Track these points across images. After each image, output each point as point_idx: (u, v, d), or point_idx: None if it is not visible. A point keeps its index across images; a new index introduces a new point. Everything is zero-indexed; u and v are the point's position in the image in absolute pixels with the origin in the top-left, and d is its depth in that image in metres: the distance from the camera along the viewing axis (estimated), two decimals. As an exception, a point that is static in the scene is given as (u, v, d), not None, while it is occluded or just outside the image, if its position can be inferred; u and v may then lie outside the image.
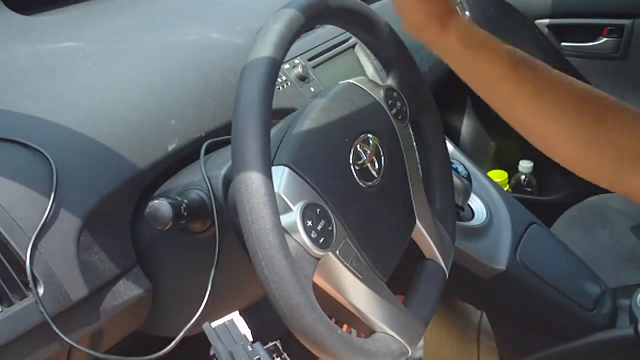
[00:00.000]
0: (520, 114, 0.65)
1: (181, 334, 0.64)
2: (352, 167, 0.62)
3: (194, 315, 0.64)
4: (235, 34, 0.91)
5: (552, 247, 1.13)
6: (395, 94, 0.72)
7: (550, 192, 1.72)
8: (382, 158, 0.66)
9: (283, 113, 0.75)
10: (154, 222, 0.58)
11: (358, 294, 0.59)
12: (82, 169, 0.64)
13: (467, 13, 1.65)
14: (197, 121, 0.74)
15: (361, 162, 0.63)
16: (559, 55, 1.56)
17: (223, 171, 0.64)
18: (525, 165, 1.69)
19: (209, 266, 0.64)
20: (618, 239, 1.26)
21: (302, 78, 0.95)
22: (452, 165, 0.88)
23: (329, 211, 0.57)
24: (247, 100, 0.51)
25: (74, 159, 0.64)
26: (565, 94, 0.64)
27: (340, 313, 0.60)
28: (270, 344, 0.55)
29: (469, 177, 0.98)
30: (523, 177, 1.71)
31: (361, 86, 0.69)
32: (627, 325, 1.03)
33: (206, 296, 0.64)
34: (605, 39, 1.49)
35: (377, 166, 0.65)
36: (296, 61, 0.96)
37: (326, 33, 1.07)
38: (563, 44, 1.55)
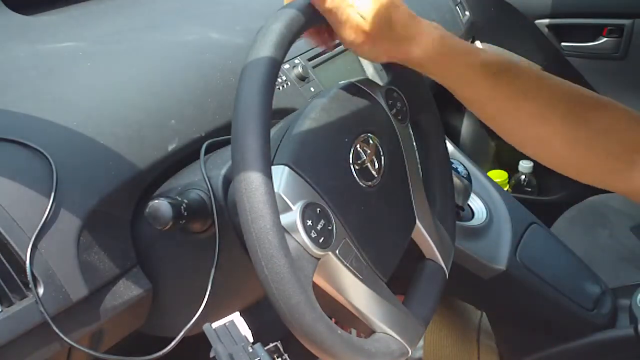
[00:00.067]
0: (500, 120, 0.66)
1: (181, 334, 0.64)
2: (352, 167, 0.62)
3: (194, 315, 0.64)
4: (235, 34, 0.91)
5: (552, 247, 1.13)
6: (395, 94, 0.72)
7: (550, 192, 1.72)
8: (382, 158, 0.66)
9: (283, 113, 0.75)
10: (154, 222, 0.58)
11: (358, 294, 0.59)
12: (82, 169, 0.64)
13: (467, 13, 1.65)
14: (197, 121, 0.74)
15: (361, 162, 0.63)
16: (559, 55, 1.56)
17: (223, 171, 0.64)
18: (525, 165, 1.69)
19: (209, 266, 0.64)
20: (618, 239, 1.26)
21: (302, 78, 0.95)
22: (452, 165, 0.88)
23: (328, 211, 0.57)
24: (247, 100, 0.51)
25: (74, 159, 0.64)
26: (548, 96, 0.64)
27: (340, 313, 0.60)
28: (271, 344, 0.55)
29: (469, 177, 0.98)
30: (523, 177, 1.71)
31: (361, 86, 0.69)
32: (627, 325, 1.03)
33: (206, 296, 0.64)
34: (605, 39, 1.49)
35: (377, 166, 0.65)
36: (296, 61, 0.96)
37: (326, 33, 1.07)
38: (563, 44, 1.55)
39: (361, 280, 0.59)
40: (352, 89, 0.69)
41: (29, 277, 0.56)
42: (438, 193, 0.78)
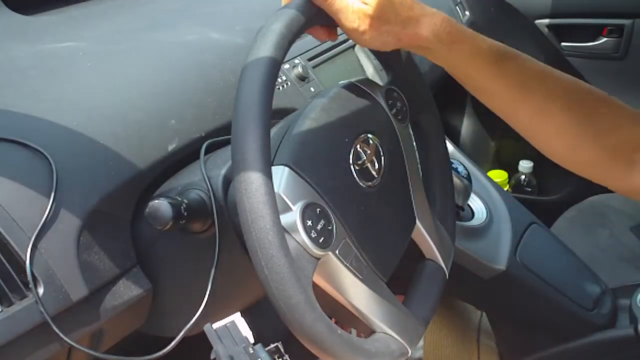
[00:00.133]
0: (509, 109, 0.65)
1: (181, 334, 0.64)
2: (352, 167, 0.62)
3: (194, 315, 0.64)
4: (235, 34, 0.91)
5: (552, 247, 1.13)
6: (395, 94, 0.72)
7: (550, 192, 1.72)
8: (382, 158, 0.66)
9: (283, 113, 0.75)
10: (154, 222, 0.58)
11: (358, 294, 0.59)
12: (82, 169, 0.64)
13: (467, 13, 1.65)
14: (197, 121, 0.74)
15: (361, 162, 0.63)
16: (559, 55, 1.56)
17: (223, 171, 0.64)
18: (525, 165, 1.69)
19: (209, 266, 0.64)
20: (618, 239, 1.26)
21: (302, 78, 0.95)
22: (452, 165, 0.88)
23: (328, 211, 0.57)
24: (247, 100, 0.51)
25: (74, 159, 0.64)
26: (552, 88, 0.63)
27: (340, 313, 0.60)
28: (272, 345, 0.55)
29: (469, 177, 0.98)
30: (523, 177, 1.71)
31: (361, 86, 0.69)
32: (627, 325, 1.03)
33: (206, 296, 0.64)
34: (605, 39, 1.49)
35: (377, 166, 0.65)
36: (296, 61, 0.96)
37: (326, 33, 1.07)
38: (563, 44, 1.55)
39: (361, 280, 0.59)
40: (352, 89, 0.68)
41: (29, 277, 0.56)
42: (438, 193, 0.78)
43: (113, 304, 0.64)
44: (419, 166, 0.76)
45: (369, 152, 0.64)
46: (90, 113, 0.68)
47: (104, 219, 0.63)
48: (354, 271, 0.58)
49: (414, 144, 0.76)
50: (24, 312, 0.56)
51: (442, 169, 0.79)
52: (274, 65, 0.53)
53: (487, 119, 1.78)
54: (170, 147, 0.71)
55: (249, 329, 0.56)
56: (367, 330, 0.61)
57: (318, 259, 0.54)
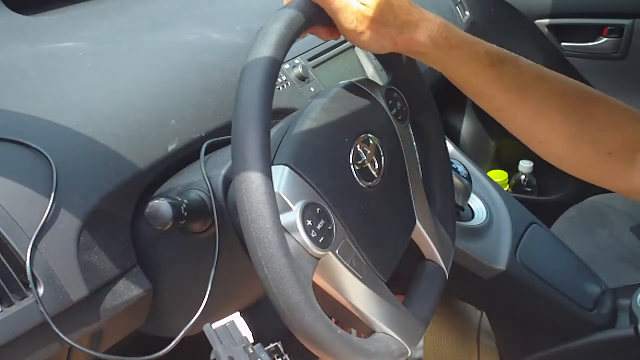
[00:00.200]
0: (507, 112, 0.65)
1: (181, 334, 0.64)
2: (352, 167, 0.62)
3: (194, 315, 0.64)
4: (235, 34, 0.91)
5: (552, 247, 1.13)
6: (395, 94, 0.72)
7: (550, 192, 1.72)
8: (382, 158, 0.66)
9: (283, 113, 0.75)
10: (154, 222, 0.58)
11: (358, 294, 0.59)
12: (82, 169, 0.64)
13: (467, 13, 1.65)
14: (197, 121, 0.74)
15: (361, 162, 0.63)
16: (559, 55, 1.56)
17: (223, 171, 0.64)
18: (525, 165, 1.69)
19: (209, 266, 0.64)
20: (618, 239, 1.26)
21: (302, 78, 0.95)
22: (452, 165, 0.88)
23: (328, 211, 0.57)
24: (247, 100, 0.51)
25: (74, 159, 0.64)
26: (549, 89, 0.63)
27: (340, 313, 0.60)
28: (271, 345, 0.55)
29: (469, 177, 0.98)
30: (523, 177, 1.71)
31: (361, 86, 0.69)
32: (627, 325, 1.03)
33: (206, 296, 0.64)
34: (605, 39, 1.49)
35: (377, 166, 0.65)
36: (296, 61, 0.96)
37: (326, 33, 1.07)
38: (563, 44, 1.55)
39: (361, 280, 0.59)
40: (352, 89, 0.68)
41: (29, 277, 0.56)
42: (438, 193, 0.78)
43: (113, 304, 0.64)
44: (419, 166, 0.76)
45: (369, 152, 0.64)
46: (90, 113, 0.68)
47: (104, 219, 0.63)
48: (354, 271, 0.58)
49: (414, 144, 0.76)
50: (24, 312, 0.56)
51: (442, 169, 0.79)
52: (274, 65, 0.53)
53: (487, 119, 1.77)
54: (170, 147, 0.71)
55: (248, 328, 0.56)
56: (367, 330, 0.61)
57: (318, 258, 0.54)
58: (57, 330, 0.57)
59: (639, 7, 1.44)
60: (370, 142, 0.65)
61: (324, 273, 0.56)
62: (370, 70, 1.12)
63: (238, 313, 0.57)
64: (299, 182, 0.56)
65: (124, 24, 0.91)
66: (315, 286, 0.54)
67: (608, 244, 1.26)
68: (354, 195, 0.62)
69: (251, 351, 0.53)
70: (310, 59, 1.00)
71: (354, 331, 0.65)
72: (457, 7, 1.59)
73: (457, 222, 0.94)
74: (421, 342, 1.15)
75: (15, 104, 0.66)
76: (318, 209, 0.56)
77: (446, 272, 0.74)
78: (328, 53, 1.04)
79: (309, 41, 1.02)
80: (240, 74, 0.52)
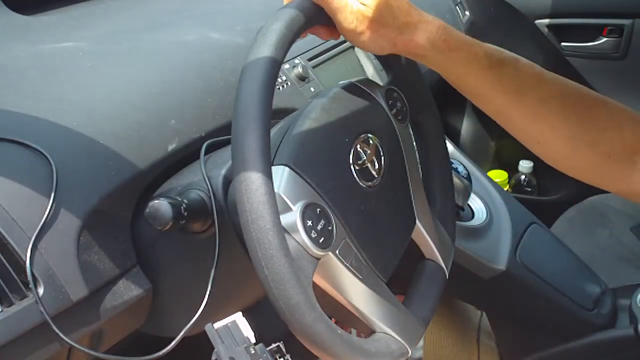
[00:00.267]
0: (506, 114, 0.65)
1: (181, 334, 0.64)
2: (352, 167, 0.62)
3: (194, 315, 0.64)
4: (235, 34, 0.91)
5: (552, 247, 1.13)
6: (395, 94, 0.72)
7: (550, 192, 1.72)
8: (382, 158, 0.66)
9: (283, 113, 0.75)
10: (154, 222, 0.58)
11: (358, 294, 0.59)
12: (82, 169, 0.64)
13: (467, 13, 1.65)
14: (197, 121, 0.74)
15: (361, 162, 0.63)
16: (559, 55, 1.56)
17: (223, 171, 0.64)
18: (525, 165, 1.69)
19: (209, 266, 0.64)
20: (618, 239, 1.26)
21: (302, 78, 0.95)
22: (452, 165, 0.88)
23: (328, 211, 0.57)
24: (247, 100, 0.51)
25: (74, 159, 0.64)
26: (549, 91, 0.63)
27: (340, 313, 0.60)
28: (273, 345, 0.55)
29: (469, 177, 0.98)
30: (523, 177, 1.71)
31: (361, 86, 0.69)
32: (627, 325, 1.03)
33: (206, 296, 0.64)
34: (605, 39, 1.49)
35: (377, 166, 0.65)
36: (296, 61, 0.96)
37: (326, 33, 1.07)
38: (563, 44, 1.55)
39: (361, 280, 0.59)
40: (352, 89, 0.68)
41: (29, 277, 0.56)
42: (438, 193, 0.78)
43: (113, 304, 0.64)
44: (419, 166, 0.76)
45: (369, 152, 0.64)
46: (90, 113, 0.68)
47: (104, 219, 0.63)
48: (354, 271, 0.58)
49: (414, 144, 0.76)
50: (24, 312, 0.56)
51: (442, 169, 0.79)
52: (274, 65, 0.53)
53: (487, 119, 1.77)
54: (170, 147, 0.71)
55: (250, 328, 0.56)
56: (367, 330, 0.61)
57: (318, 259, 0.54)
58: (57, 330, 0.57)
59: (639, 7, 1.44)
60: (370, 142, 0.65)
61: (324, 273, 0.56)
62: (370, 70, 1.12)
63: (240, 313, 0.57)
64: (299, 183, 0.56)
65: (124, 24, 0.91)
66: (315, 286, 0.54)
67: (608, 244, 1.26)
68: (354, 195, 0.62)
69: (253, 351, 0.52)
70: (310, 59, 1.00)
71: (354, 331, 0.65)
72: (457, 7, 1.59)
73: (457, 222, 0.94)
74: (421, 342, 1.15)
75: (15, 104, 0.66)
76: (318, 209, 0.56)
77: (446, 272, 0.74)
78: (328, 53, 1.04)
79: (309, 41, 1.02)
80: (240, 74, 0.52)
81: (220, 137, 0.72)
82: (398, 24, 0.59)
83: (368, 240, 0.62)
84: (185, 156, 0.72)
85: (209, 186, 0.63)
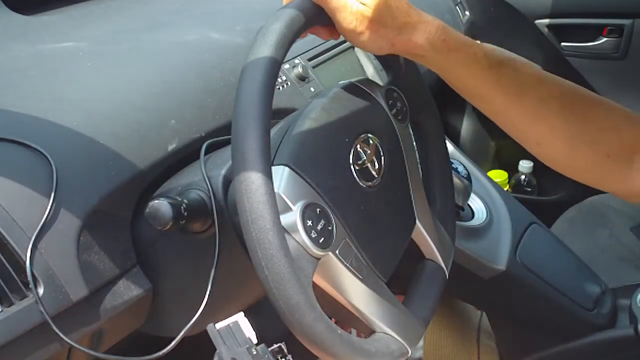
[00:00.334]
0: (505, 114, 0.65)
1: (181, 334, 0.64)
2: (352, 167, 0.62)
3: (194, 315, 0.64)
4: (235, 34, 0.91)
5: (552, 247, 1.13)
6: (395, 94, 0.72)
7: (550, 192, 1.72)
8: (382, 158, 0.66)
9: (283, 113, 0.75)
10: (154, 222, 0.58)
11: (358, 294, 0.59)
12: (82, 169, 0.64)
13: (467, 13, 1.65)
14: (197, 121, 0.74)
15: (361, 162, 0.63)
16: (559, 55, 1.56)
17: (223, 171, 0.64)
18: (525, 165, 1.69)
19: (209, 266, 0.64)
20: (618, 239, 1.26)
21: (302, 78, 0.95)
22: (452, 165, 0.88)
23: (328, 211, 0.57)
24: (247, 100, 0.51)
25: (74, 159, 0.64)
26: (548, 91, 0.63)
27: (340, 313, 0.60)
28: (275, 345, 0.55)
29: (469, 177, 0.98)
30: (523, 177, 1.71)
31: (361, 86, 0.69)
32: (627, 325, 1.03)
33: (206, 296, 0.64)
34: (605, 39, 1.49)
35: (377, 166, 0.65)
36: (296, 61, 0.96)
37: (326, 33, 1.07)
38: (563, 44, 1.55)
39: (361, 280, 0.59)
40: (352, 89, 0.68)
41: (29, 277, 0.56)
42: (438, 193, 0.78)
43: (113, 304, 0.64)
44: (419, 166, 0.76)
45: (369, 152, 0.64)
46: (90, 113, 0.68)
47: (104, 219, 0.63)
48: (354, 271, 0.58)
49: (414, 144, 0.76)
50: (24, 312, 0.56)
51: (442, 169, 0.79)
52: (274, 65, 0.53)
53: (487, 119, 1.76)
54: (170, 147, 0.71)
55: (252, 329, 0.56)
56: (367, 330, 0.61)
57: (318, 259, 0.54)
58: (57, 330, 0.57)
59: (639, 7, 1.44)
60: (370, 142, 0.65)
61: (324, 273, 0.56)
62: (370, 70, 1.12)
63: (242, 313, 0.57)
64: (299, 183, 0.56)
65: (124, 24, 0.91)
66: (315, 286, 0.54)
67: (608, 244, 1.26)
68: (354, 195, 0.62)
69: (255, 352, 0.53)
70: (310, 59, 1.00)
71: (354, 331, 0.65)
72: (457, 7, 1.59)
73: (457, 222, 0.94)
74: (421, 342, 1.15)
75: (15, 104, 0.66)
76: (318, 209, 0.56)
77: (446, 272, 0.74)
78: (328, 53, 1.04)
79: (309, 41, 1.02)
80: (240, 74, 0.52)
81: (220, 137, 0.72)
82: (397, 24, 0.59)
83: (368, 240, 0.62)
84: (185, 156, 0.72)
85: (209, 186, 0.63)
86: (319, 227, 0.55)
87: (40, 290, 0.57)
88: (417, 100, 0.76)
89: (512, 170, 1.76)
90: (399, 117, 0.72)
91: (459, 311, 1.20)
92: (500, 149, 1.85)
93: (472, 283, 1.02)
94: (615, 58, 1.49)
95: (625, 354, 1.03)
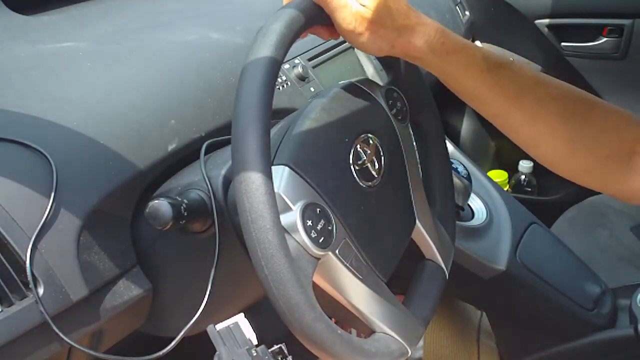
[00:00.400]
0: (504, 116, 0.65)
1: (181, 334, 0.64)
2: (352, 167, 0.62)
3: (194, 315, 0.64)
4: (235, 34, 0.91)
5: (552, 247, 1.13)
6: (395, 94, 0.72)
7: (550, 192, 1.73)
8: (382, 158, 0.66)
9: (283, 113, 0.75)
10: (154, 222, 0.58)
11: (358, 294, 0.59)
12: (82, 169, 0.64)
13: (467, 13, 1.65)
14: (197, 121, 0.74)
15: (361, 162, 0.63)
16: (559, 55, 1.56)
17: (223, 171, 0.64)
18: (525, 165, 1.69)
19: (209, 266, 0.64)
20: (618, 239, 1.26)
21: (302, 78, 0.95)
22: (452, 165, 0.88)
23: (328, 211, 0.57)
24: (247, 100, 0.51)
25: (74, 159, 0.64)
26: (546, 93, 0.63)
27: (340, 313, 0.60)
28: (275, 346, 0.55)
29: (469, 177, 0.98)
30: (523, 177, 1.71)
31: (361, 86, 0.69)
32: (627, 325, 1.03)
33: (206, 296, 0.64)
34: (605, 39, 1.49)
35: (377, 166, 0.65)
36: (296, 61, 0.96)
37: (326, 33, 1.07)
38: (563, 44, 1.55)
39: (361, 280, 0.59)
40: (352, 89, 0.69)
41: (29, 277, 0.56)
42: (438, 193, 0.78)
43: (113, 304, 0.64)
44: (419, 166, 0.76)
45: (369, 152, 0.64)
46: (90, 113, 0.68)
47: (104, 219, 0.63)
48: (354, 271, 0.58)
49: (414, 144, 0.76)
50: (24, 312, 0.56)
51: (442, 169, 0.79)
52: (274, 65, 0.53)
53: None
54: (170, 147, 0.71)
55: (252, 330, 0.56)
56: (367, 330, 0.61)
57: (318, 259, 0.54)
58: (57, 330, 0.57)
59: (639, 7, 1.44)
60: (370, 142, 0.65)
61: (324, 273, 0.56)
62: (370, 70, 1.12)
63: (242, 314, 0.57)
64: (299, 183, 0.56)
65: (124, 24, 0.91)
66: (315, 286, 0.54)
67: (608, 244, 1.27)
68: (354, 195, 0.62)
69: (255, 354, 0.52)
70: (310, 59, 1.00)
71: (354, 331, 0.65)
72: (457, 7, 1.59)
73: (457, 222, 0.94)
74: (421, 342, 1.15)
75: (15, 104, 0.66)
76: (318, 209, 0.56)
77: (446, 272, 0.74)
78: (328, 53, 1.04)
79: (309, 41, 1.02)
80: (240, 74, 0.52)
81: (220, 137, 0.72)
82: (396, 26, 0.59)
83: (368, 240, 0.62)
84: (185, 156, 0.72)
85: (209, 186, 0.63)
86: (318, 227, 0.55)
87: (40, 290, 0.57)
88: (417, 100, 0.76)
89: (512, 170, 1.76)
90: (399, 117, 0.72)
91: (459, 311, 1.20)
92: (500, 149, 1.86)
93: (472, 283, 1.02)
94: (615, 58, 1.49)
95: (625, 354, 1.03)
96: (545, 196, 1.73)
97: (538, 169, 1.69)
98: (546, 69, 1.61)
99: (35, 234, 0.57)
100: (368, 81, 0.71)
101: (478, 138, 1.86)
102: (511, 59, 0.65)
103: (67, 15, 0.92)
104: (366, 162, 0.64)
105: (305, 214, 0.54)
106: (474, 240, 1.01)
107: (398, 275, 0.67)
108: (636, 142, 0.62)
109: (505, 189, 1.69)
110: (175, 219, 0.58)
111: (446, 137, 0.83)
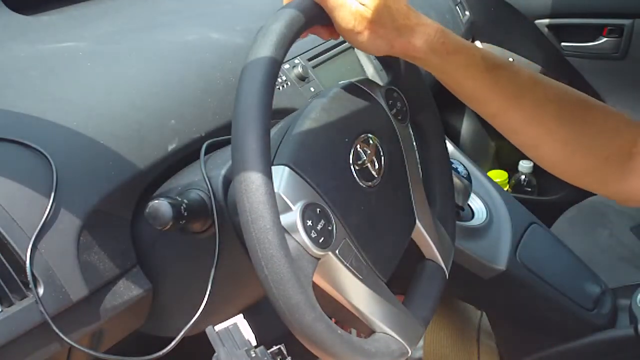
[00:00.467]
0: (502, 117, 0.65)
1: (181, 334, 0.64)
2: (352, 167, 0.62)
3: (194, 315, 0.64)
4: (235, 34, 0.91)
5: (552, 247, 1.13)
6: (395, 94, 0.72)
7: (550, 192, 1.73)
8: (382, 158, 0.66)
9: (283, 113, 0.75)
10: (154, 222, 0.58)
11: (358, 294, 0.59)
12: (82, 169, 0.64)
13: (467, 13, 1.65)
14: (197, 121, 0.74)
15: (361, 162, 0.63)
16: (559, 55, 1.56)
17: (223, 171, 0.64)
18: (525, 165, 1.69)
19: (209, 266, 0.64)
20: (618, 239, 1.27)
21: (302, 78, 0.95)
22: (452, 165, 0.88)
23: (328, 211, 0.57)
24: (247, 100, 0.51)
25: (74, 159, 0.64)
26: (544, 94, 0.63)
27: (340, 313, 0.60)
28: (274, 347, 0.55)
29: (469, 177, 0.98)
30: (523, 177, 1.71)
31: (361, 86, 0.69)
32: (627, 325, 1.03)
33: (206, 296, 0.64)
34: (605, 39, 1.49)
35: (377, 166, 0.65)
36: (296, 61, 0.96)
37: (326, 33, 1.07)
38: (563, 44, 1.55)
39: (361, 280, 0.59)
40: (352, 89, 0.69)
41: (29, 277, 0.56)
42: (438, 193, 0.78)
43: (113, 304, 0.64)
44: (419, 166, 0.76)
45: (369, 152, 0.65)
46: (90, 113, 0.68)
47: (104, 219, 0.63)
48: (354, 271, 0.58)
49: (414, 144, 0.76)
50: (24, 312, 0.56)
51: (442, 169, 0.79)
52: (274, 65, 0.53)
53: (487, 119, 1.78)
54: (170, 147, 0.71)
55: (251, 331, 0.56)
56: (367, 330, 0.61)
57: (318, 259, 0.54)
58: (57, 330, 0.57)
59: (639, 7, 1.44)
60: (370, 142, 0.65)
61: (324, 273, 0.56)
62: (370, 70, 1.12)
63: (241, 315, 0.57)
64: (299, 183, 0.56)
65: (124, 24, 0.91)
66: (315, 286, 0.54)
67: (608, 244, 1.27)
68: (354, 195, 0.62)
69: (254, 355, 0.52)
70: (310, 59, 1.00)
71: (354, 331, 0.65)
72: (457, 7, 1.59)
73: (457, 222, 0.94)
74: (421, 342, 1.15)
75: (15, 104, 0.66)
76: (318, 209, 0.56)
77: (446, 272, 0.74)
78: (328, 53, 1.04)
79: (309, 41, 1.02)
80: (240, 74, 0.52)
81: (220, 137, 0.72)
82: (396, 25, 0.59)
83: (368, 240, 0.62)
84: (185, 156, 0.72)
85: (209, 186, 0.63)
86: (318, 227, 0.55)
87: (40, 290, 0.57)
88: (417, 100, 0.76)
89: (512, 170, 1.76)
90: (399, 117, 0.72)
91: (459, 311, 1.20)
92: (500, 149, 1.86)
93: (472, 283, 1.02)
94: (615, 58, 1.49)
95: (625, 354, 1.03)
96: (545, 196, 1.73)
97: (538, 169, 1.69)
98: (546, 69, 1.61)
99: (35, 234, 0.57)
100: (368, 81, 0.71)
101: (478, 138, 1.86)
102: (511, 59, 0.64)
103: (67, 15, 0.92)
104: (366, 162, 0.64)
105: (305, 214, 0.54)
106: (474, 240, 1.01)
107: (398, 275, 0.67)
108: (635, 143, 0.62)
109: (505, 189, 1.69)
110: (175, 219, 0.58)
111: (446, 137, 0.83)
